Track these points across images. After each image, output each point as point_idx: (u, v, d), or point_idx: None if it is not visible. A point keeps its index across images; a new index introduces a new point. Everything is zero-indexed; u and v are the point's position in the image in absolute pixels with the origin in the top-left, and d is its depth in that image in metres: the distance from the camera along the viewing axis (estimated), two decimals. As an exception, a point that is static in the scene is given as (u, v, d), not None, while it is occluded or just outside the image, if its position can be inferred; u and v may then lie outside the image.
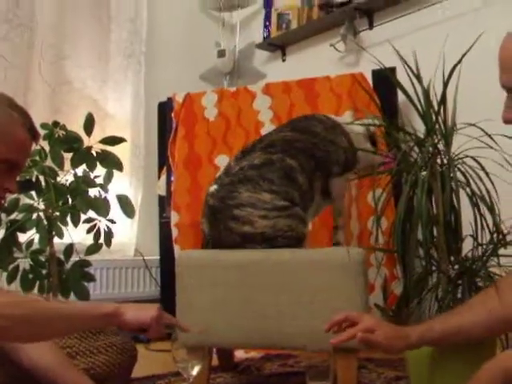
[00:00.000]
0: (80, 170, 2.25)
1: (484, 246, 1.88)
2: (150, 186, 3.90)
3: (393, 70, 2.52)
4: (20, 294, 1.69)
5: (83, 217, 2.27)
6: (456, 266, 1.88)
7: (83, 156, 2.23)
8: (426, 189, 1.85)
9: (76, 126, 2.31)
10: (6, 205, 2.14)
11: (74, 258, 2.31)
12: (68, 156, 2.25)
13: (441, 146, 1.94)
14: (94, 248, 2.31)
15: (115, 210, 2.27)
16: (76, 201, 2.21)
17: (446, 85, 1.93)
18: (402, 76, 2.05)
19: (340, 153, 2.39)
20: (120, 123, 3.93)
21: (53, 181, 2.20)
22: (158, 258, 3.84)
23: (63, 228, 2.22)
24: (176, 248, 3.24)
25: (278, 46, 4.25)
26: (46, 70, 3.67)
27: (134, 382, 2.27)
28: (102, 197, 2.25)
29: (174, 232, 3.29)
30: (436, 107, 1.94)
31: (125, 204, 2.26)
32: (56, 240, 2.22)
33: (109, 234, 2.29)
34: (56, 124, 2.25)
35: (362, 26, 3.66)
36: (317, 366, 1.49)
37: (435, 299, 1.89)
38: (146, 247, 3.85)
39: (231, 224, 2.14)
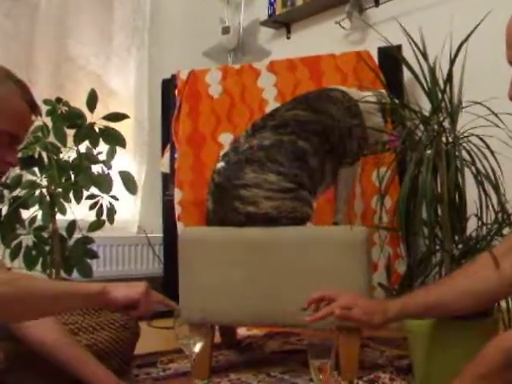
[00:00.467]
0: (83, 147, 2.24)
1: (488, 226, 1.88)
2: (153, 163, 3.90)
3: (399, 47, 2.50)
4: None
5: (86, 193, 2.26)
6: (460, 246, 1.88)
7: (86, 132, 2.22)
8: (431, 167, 1.84)
9: (79, 103, 2.29)
10: (8, 181, 2.13)
11: (77, 235, 2.30)
12: (71, 132, 2.24)
13: (446, 124, 1.93)
14: (97, 225, 2.30)
15: (118, 187, 2.26)
16: (79, 177, 2.20)
17: (452, 63, 1.92)
18: (407, 54, 2.03)
19: (354, 144, 2.39)
20: (123, 100, 3.91)
21: (55, 157, 2.18)
22: (162, 235, 3.85)
23: (66, 204, 2.21)
24: (179, 225, 3.24)
25: (283, 23, 4.22)
26: (49, 47, 3.65)
27: (136, 359, 2.28)
28: (105, 173, 2.24)
29: (178, 209, 3.29)
30: (442, 85, 1.93)
31: (127, 181, 2.25)
32: (59, 217, 2.21)
33: (111, 211, 2.29)
34: (59, 100, 2.23)
35: (367, 3, 3.61)
36: (318, 344, 1.48)
37: (439, 278, 1.88)
38: (149, 224, 3.84)
39: (236, 204, 2.14)
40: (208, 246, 2.21)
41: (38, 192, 2.19)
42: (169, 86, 3.69)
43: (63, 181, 2.20)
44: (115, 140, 2.25)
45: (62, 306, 1.48)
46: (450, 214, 1.85)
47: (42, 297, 1.35)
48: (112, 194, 2.25)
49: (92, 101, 2.24)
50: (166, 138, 3.64)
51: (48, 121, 2.21)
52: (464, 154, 1.88)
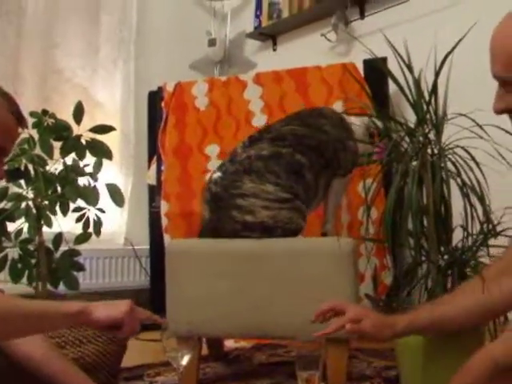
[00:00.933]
0: (69, 159, 2.24)
1: (474, 237, 1.89)
2: (139, 175, 3.89)
3: (384, 59, 2.51)
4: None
5: (72, 206, 2.25)
6: (446, 257, 1.89)
7: (72, 144, 2.21)
8: (417, 179, 1.85)
9: (65, 115, 2.28)
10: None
11: (64, 248, 2.29)
12: (57, 145, 2.24)
13: (431, 136, 1.94)
14: (84, 237, 2.30)
15: (105, 199, 2.26)
16: (65, 190, 2.19)
17: (437, 74, 1.93)
18: (393, 66, 2.05)
19: (348, 156, 2.41)
20: (110, 112, 3.91)
21: (42, 169, 2.18)
22: (148, 247, 3.84)
23: (52, 217, 2.21)
24: (166, 237, 3.23)
25: (269, 35, 4.24)
26: (36, 59, 3.65)
27: (123, 372, 2.27)
28: (92, 186, 2.24)
29: (164, 221, 3.28)
30: (427, 97, 1.94)
31: (114, 193, 2.25)
32: (45, 229, 2.20)
33: (98, 223, 2.28)
34: (45, 112, 2.23)
35: (353, 15, 3.64)
36: (307, 356, 1.48)
37: (425, 289, 1.89)
38: (135, 236, 3.83)
39: (233, 213, 2.15)
40: (195, 258, 2.21)
41: (24, 204, 2.18)
42: (155, 98, 3.69)
43: (49, 193, 2.20)
44: (102, 152, 2.25)
45: (41, 326, 1.42)
46: (435, 225, 1.86)
47: (20, 316, 1.31)
48: (98, 206, 2.25)
49: (78, 113, 2.24)
50: (153, 150, 3.64)
51: (34, 133, 2.21)
52: (449, 165, 1.88)
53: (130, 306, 1.42)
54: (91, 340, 1.95)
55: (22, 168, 2.18)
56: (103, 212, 2.27)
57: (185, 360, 1.55)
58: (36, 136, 2.21)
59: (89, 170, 2.26)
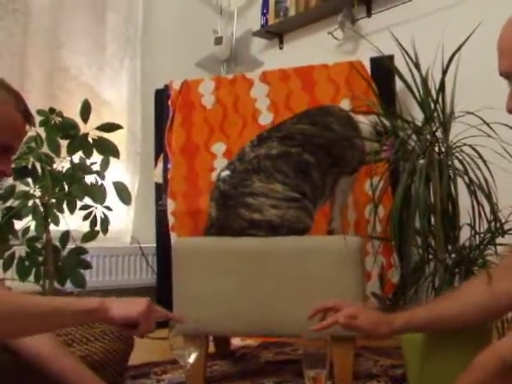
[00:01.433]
0: (76, 157, 2.24)
1: (481, 235, 1.88)
2: (146, 173, 3.90)
3: (391, 57, 2.51)
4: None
5: (79, 204, 2.26)
6: (453, 255, 1.88)
7: (79, 143, 2.22)
8: (424, 177, 1.84)
9: (72, 113, 2.29)
10: (1, 191, 2.13)
11: (71, 246, 2.29)
12: (64, 143, 2.24)
13: (439, 134, 1.93)
14: (91, 235, 2.30)
15: (112, 197, 2.26)
16: (72, 188, 2.20)
17: (444, 72, 1.93)
18: (400, 64, 2.04)
19: (356, 154, 2.41)
20: (116, 110, 3.92)
21: (49, 168, 2.18)
22: (155, 245, 3.84)
23: (59, 215, 2.21)
24: (173, 235, 3.24)
25: (276, 33, 4.23)
26: (42, 57, 3.65)
27: (130, 370, 2.27)
28: (99, 184, 2.24)
29: (171, 220, 3.29)
30: (434, 95, 1.94)
31: (121, 191, 2.25)
32: (52, 227, 2.21)
33: (105, 221, 2.28)
34: (52, 110, 2.23)
35: (360, 13, 3.63)
36: (313, 354, 1.48)
37: (432, 288, 1.89)
38: (142, 235, 3.84)
39: (242, 211, 2.15)
40: (202, 256, 2.21)
41: (31, 202, 2.18)
42: (162, 96, 3.69)
43: (57, 191, 2.20)
44: (109, 150, 2.25)
45: (57, 323, 1.41)
46: (442, 223, 1.86)
47: (35, 314, 1.30)
48: (105, 204, 2.25)
49: (85, 111, 2.24)
50: (159, 148, 3.64)
51: (41, 131, 2.21)
52: (457, 163, 1.88)
53: (147, 305, 1.40)
54: (98, 338, 1.95)
55: (30, 166, 2.18)
56: (110, 210, 2.28)
57: (192, 358, 1.55)
58: (43, 134, 2.21)
59: (96, 168, 2.26)
